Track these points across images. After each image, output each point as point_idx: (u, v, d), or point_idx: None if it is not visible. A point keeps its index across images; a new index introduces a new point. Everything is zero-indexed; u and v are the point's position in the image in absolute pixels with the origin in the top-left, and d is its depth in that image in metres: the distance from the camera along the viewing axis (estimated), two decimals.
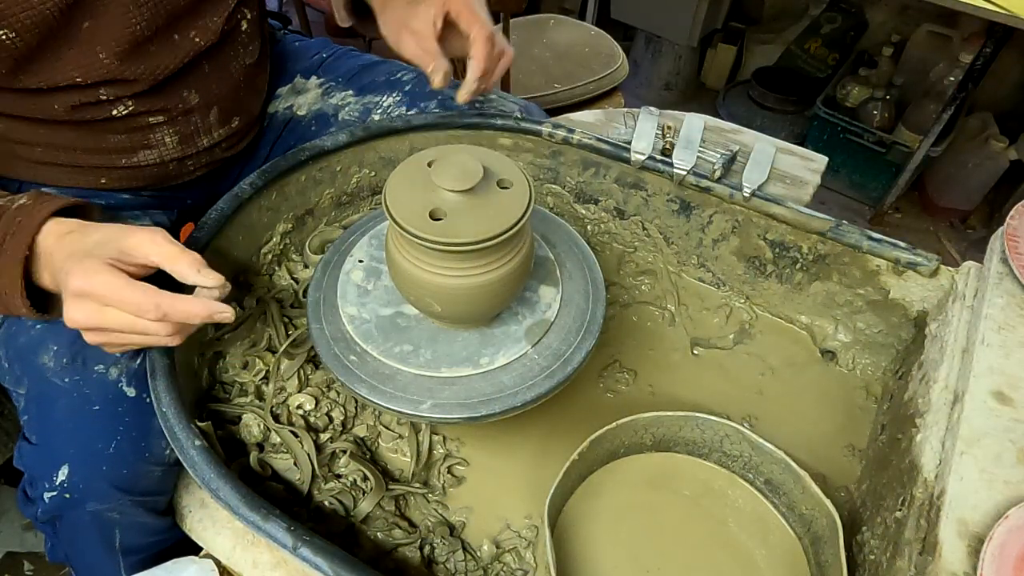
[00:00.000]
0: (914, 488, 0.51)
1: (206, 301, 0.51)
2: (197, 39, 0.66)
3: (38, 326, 0.59)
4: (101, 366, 0.59)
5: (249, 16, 0.74)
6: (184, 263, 0.51)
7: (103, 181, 0.70)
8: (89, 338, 0.51)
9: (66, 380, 0.58)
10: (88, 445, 0.57)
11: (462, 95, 0.72)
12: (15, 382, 0.61)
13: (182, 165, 0.73)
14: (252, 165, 0.84)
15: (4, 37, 0.54)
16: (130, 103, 0.65)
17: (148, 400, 0.57)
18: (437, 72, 0.69)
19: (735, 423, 0.63)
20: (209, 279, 0.51)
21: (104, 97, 0.63)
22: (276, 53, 0.88)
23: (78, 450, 0.57)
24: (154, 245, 0.50)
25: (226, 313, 0.52)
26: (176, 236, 0.74)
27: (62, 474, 0.57)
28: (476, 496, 0.66)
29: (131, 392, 0.59)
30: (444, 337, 0.61)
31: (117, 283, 0.48)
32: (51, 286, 0.53)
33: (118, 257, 0.50)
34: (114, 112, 0.64)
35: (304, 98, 0.87)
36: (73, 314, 0.49)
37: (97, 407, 0.58)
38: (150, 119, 0.67)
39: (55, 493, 0.58)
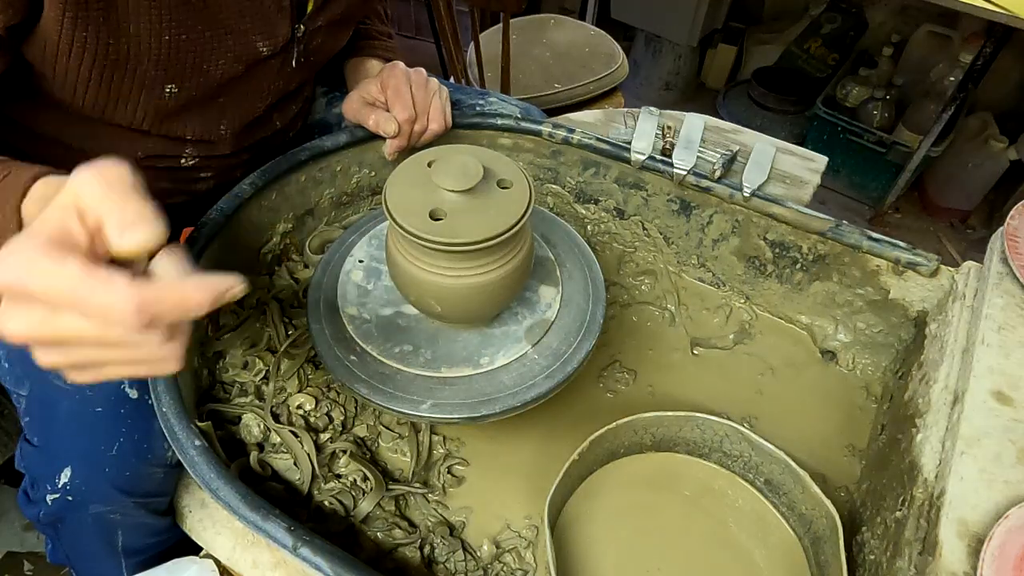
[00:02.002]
0: (914, 488, 0.51)
1: (206, 281, 0.34)
2: (278, 122, 0.75)
3: None
4: None
5: (307, 94, 0.81)
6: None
7: None
8: (43, 358, 0.34)
9: (68, 382, 0.58)
10: (90, 447, 0.57)
11: (386, 152, 0.75)
12: (16, 383, 0.61)
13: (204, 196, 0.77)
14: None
15: (168, 92, 0.57)
16: (198, 158, 0.68)
17: (150, 402, 0.57)
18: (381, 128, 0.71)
19: (735, 423, 0.63)
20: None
21: (187, 152, 0.66)
22: None
23: (80, 452, 0.57)
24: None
25: (236, 288, 0.35)
26: (176, 239, 0.74)
27: (64, 476, 0.57)
28: (476, 496, 0.66)
29: (133, 394, 0.59)
30: (444, 337, 0.61)
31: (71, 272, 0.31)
32: None
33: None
34: (182, 162, 0.67)
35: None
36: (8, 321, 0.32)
37: (99, 409, 0.58)
38: (202, 173, 0.70)
39: (58, 495, 0.58)
